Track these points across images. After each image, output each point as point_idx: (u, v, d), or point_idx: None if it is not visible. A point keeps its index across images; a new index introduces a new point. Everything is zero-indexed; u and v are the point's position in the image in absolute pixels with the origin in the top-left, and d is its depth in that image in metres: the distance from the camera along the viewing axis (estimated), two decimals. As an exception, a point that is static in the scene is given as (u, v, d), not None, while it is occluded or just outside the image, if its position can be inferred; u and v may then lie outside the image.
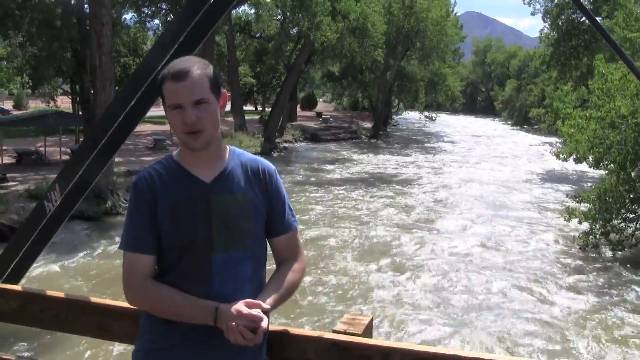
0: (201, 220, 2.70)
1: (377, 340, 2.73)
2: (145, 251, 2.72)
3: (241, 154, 2.91)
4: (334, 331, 2.80)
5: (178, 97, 2.65)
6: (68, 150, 33.71)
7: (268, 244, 2.92)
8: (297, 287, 2.91)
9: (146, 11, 47.69)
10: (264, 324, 2.56)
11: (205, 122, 2.67)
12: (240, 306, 2.57)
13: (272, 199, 2.87)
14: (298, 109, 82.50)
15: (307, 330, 2.71)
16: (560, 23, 58.22)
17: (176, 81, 2.65)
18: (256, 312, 2.56)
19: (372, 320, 2.92)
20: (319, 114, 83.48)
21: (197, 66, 2.69)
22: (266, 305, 2.61)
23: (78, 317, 3.28)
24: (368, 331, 2.84)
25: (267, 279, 2.88)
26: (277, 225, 2.91)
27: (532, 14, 61.99)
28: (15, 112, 59.72)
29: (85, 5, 31.38)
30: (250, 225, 2.78)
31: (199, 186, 2.74)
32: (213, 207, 2.72)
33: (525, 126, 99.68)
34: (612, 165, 21.34)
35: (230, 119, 50.86)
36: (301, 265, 2.95)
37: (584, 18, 54.50)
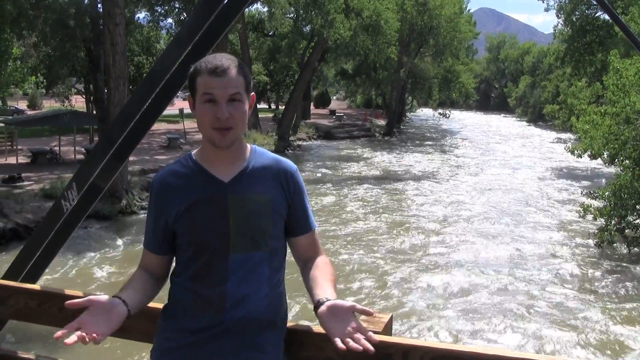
0: (219, 220, 2.69)
1: (397, 338, 2.70)
2: (152, 250, 2.83)
3: (262, 153, 2.90)
4: (354, 329, 2.78)
5: (213, 91, 2.64)
6: (82, 149, 33.83)
7: (284, 243, 2.90)
8: (335, 277, 2.88)
9: (159, 10, 47.69)
10: None
11: (236, 119, 2.67)
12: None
13: (293, 200, 2.85)
14: (312, 107, 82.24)
15: (327, 328, 2.69)
16: (574, 19, 57.93)
17: (214, 75, 2.64)
18: None
19: (391, 318, 2.90)
20: (332, 112, 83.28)
21: (234, 64, 2.69)
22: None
23: (96, 316, 3.28)
24: (388, 329, 2.83)
25: (284, 282, 2.88)
26: (298, 225, 2.89)
27: (546, 10, 61.65)
28: (30, 112, 59.93)
29: (99, 5, 31.46)
30: (269, 226, 2.76)
31: (217, 186, 2.73)
32: (231, 207, 2.70)
33: (539, 123, 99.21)
34: (627, 161, 21.23)
35: (244, 117, 50.81)
36: (327, 258, 2.95)
37: (598, 14, 54.50)
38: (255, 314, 2.67)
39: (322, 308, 2.52)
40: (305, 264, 2.91)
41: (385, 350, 2.62)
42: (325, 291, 2.65)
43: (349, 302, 2.51)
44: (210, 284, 2.68)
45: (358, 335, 2.40)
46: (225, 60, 2.69)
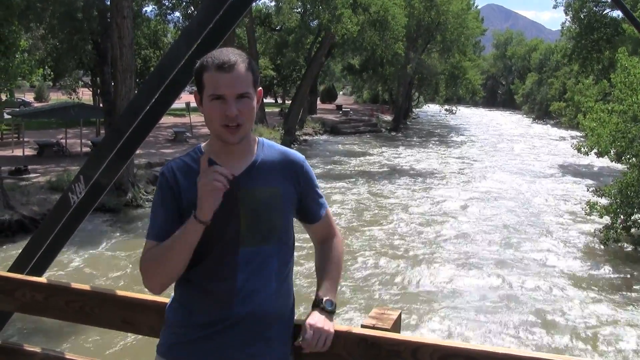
0: (229, 214, 2.66)
1: (406, 335, 2.70)
2: (163, 240, 2.71)
3: (270, 145, 2.89)
4: (363, 326, 2.79)
5: (221, 88, 2.62)
6: (89, 142, 33.91)
7: (293, 236, 2.90)
8: (342, 260, 3.06)
9: (167, 3, 47.81)
10: None
11: (244, 116, 2.66)
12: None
13: (305, 190, 2.88)
14: (318, 102, 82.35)
15: (335, 325, 2.69)
16: (582, 16, 58.00)
17: (221, 72, 2.62)
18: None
19: (400, 315, 2.90)
20: (339, 107, 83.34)
21: (242, 59, 2.67)
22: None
23: (103, 309, 3.27)
24: (397, 326, 2.83)
25: (292, 274, 2.90)
26: (312, 213, 2.95)
27: (554, 7, 61.75)
28: (37, 104, 59.98)
29: (107, -2, 31.49)
30: (280, 219, 2.76)
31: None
32: (241, 201, 2.69)
33: (545, 119, 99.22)
34: (634, 159, 21.19)
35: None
36: (339, 238, 3.07)
37: (606, 11, 54.45)
38: (263, 308, 2.68)
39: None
40: (321, 246, 3.02)
41: (394, 348, 2.62)
42: (325, 292, 2.84)
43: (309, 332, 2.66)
44: (219, 278, 2.66)
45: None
46: (232, 55, 2.67)
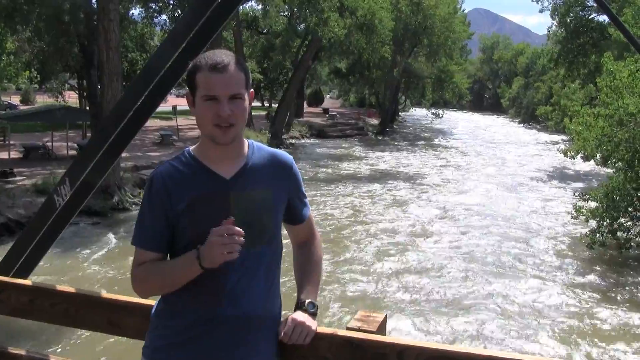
0: (221, 217, 2.62)
1: (392, 337, 2.70)
2: (152, 249, 2.73)
3: (260, 148, 2.90)
4: (348, 328, 2.79)
5: (215, 89, 2.63)
6: (75, 145, 33.74)
7: (281, 238, 2.90)
8: (322, 262, 3.11)
9: (154, 7, 47.59)
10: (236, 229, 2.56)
11: (237, 117, 2.67)
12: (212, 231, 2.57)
13: (293, 192, 2.92)
14: (305, 106, 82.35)
15: (321, 327, 2.70)
16: (568, 20, 58.24)
17: (215, 72, 2.63)
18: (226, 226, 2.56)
19: (386, 317, 2.90)
20: (325, 111, 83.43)
21: (235, 61, 2.69)
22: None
23: (88, 312, 3.27)
24: (382, 328, 2.83)
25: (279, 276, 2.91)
26: (299, 213, 2.98)
27: (541, 11, 61.99)
28: (23, 107, 59.76)
29: (93, 1, 31.37)
30: (270, 222, 2.78)
31: (218, 183, 2.71)
32: (233, 204, 2.69)
33: (531, 123, 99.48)
34: (620, 163, 21.24)
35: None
36: (319, 240, 3.12)
37: (592, 15, 54.68)
38: (251, 310, 2.69)
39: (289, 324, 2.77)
40: (300, 248, 3.06)
41: (380, 350, 2.62)
42: (305, 295, 2.88)
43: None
44: (208, 280, 2.64)
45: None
46: (225, 56, 2.68)
